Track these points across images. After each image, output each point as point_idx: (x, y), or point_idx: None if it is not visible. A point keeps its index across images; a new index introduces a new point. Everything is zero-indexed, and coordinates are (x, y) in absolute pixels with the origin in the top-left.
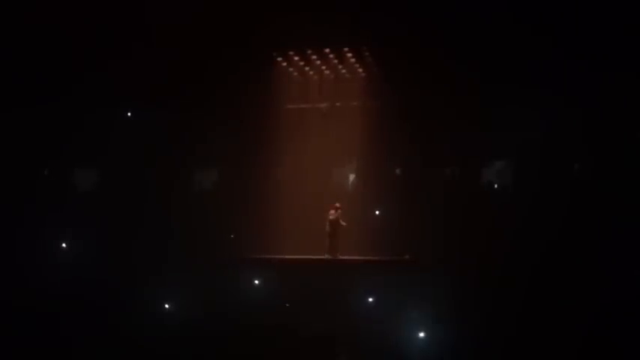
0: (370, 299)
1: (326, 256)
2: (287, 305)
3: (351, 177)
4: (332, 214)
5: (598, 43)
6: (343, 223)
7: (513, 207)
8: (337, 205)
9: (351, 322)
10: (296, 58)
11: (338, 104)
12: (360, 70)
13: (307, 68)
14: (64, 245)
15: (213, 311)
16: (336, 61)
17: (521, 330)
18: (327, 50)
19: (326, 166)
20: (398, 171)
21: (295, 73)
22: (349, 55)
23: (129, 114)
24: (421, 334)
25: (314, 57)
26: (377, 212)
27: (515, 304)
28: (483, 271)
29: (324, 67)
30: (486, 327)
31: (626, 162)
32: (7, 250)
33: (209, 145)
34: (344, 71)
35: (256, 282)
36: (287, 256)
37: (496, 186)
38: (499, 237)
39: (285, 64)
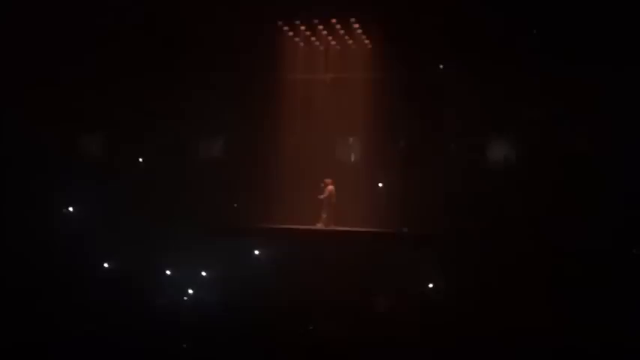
0: (367, 270)
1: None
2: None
3: (355, 148)
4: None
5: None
6: (320, 197)
7: (515, 182)
8: (327, 180)
9: (348, 291)
10: (302, 28)
11: (343, 75)
12: (367, 41)
13: (313, 39)
14: (70, 209)
15: (215, 280)
16: (342, 31)
17: (518, 303)
18: (334, 20)
19: (330, 137)
20: (401, 143)
21: (301, 44)
22: (356, 26)
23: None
24: (417, 305)
25: (320, 27)
26: (380, 185)
27: (514, 278)
28: (482, 245)
29: (330, 38)
30: (483, 300)
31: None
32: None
33: (212, 114)
34: (350, 42)
35: (257, 251)
36: (288, 226)
37: (499, 162)
38: (499, 211)
39: (291, 33)
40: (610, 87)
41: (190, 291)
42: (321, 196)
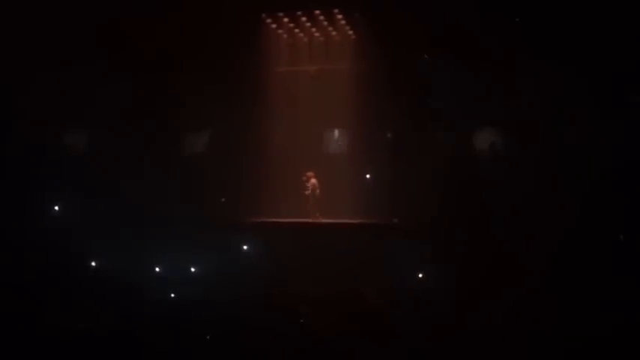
0: (356, 261)
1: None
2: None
3: (340, 140)
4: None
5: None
6: (306, 192)
7: (502, 173)
8: (309, 174)
9: (338, 284)
10: (285, 20)
11: (327, 67)
12: (351, 32)
13: (297, 30)
14: (56, 208)
15: (204, 274)
16: (326, 23)
17: (507, 294)
18: (317, 12)
19: (316, 129)
20: (389, 134)
21: (285, 35)
22: (340, 17)
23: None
24: (406, 296)
25: (304, 19)
26: (367, 176)
27: (501, 270)
28: (470, 236)
29: (313, 30)
30: (471, 291)
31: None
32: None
33: (198, 108)
34: (334, 33)
35: (246, 245)
36: (276, 219)
37: (486, 152)
38: (486, 203)
39: (274, 25)
40: (597, 82)
41: (180, 287)
42: (307, 192)
